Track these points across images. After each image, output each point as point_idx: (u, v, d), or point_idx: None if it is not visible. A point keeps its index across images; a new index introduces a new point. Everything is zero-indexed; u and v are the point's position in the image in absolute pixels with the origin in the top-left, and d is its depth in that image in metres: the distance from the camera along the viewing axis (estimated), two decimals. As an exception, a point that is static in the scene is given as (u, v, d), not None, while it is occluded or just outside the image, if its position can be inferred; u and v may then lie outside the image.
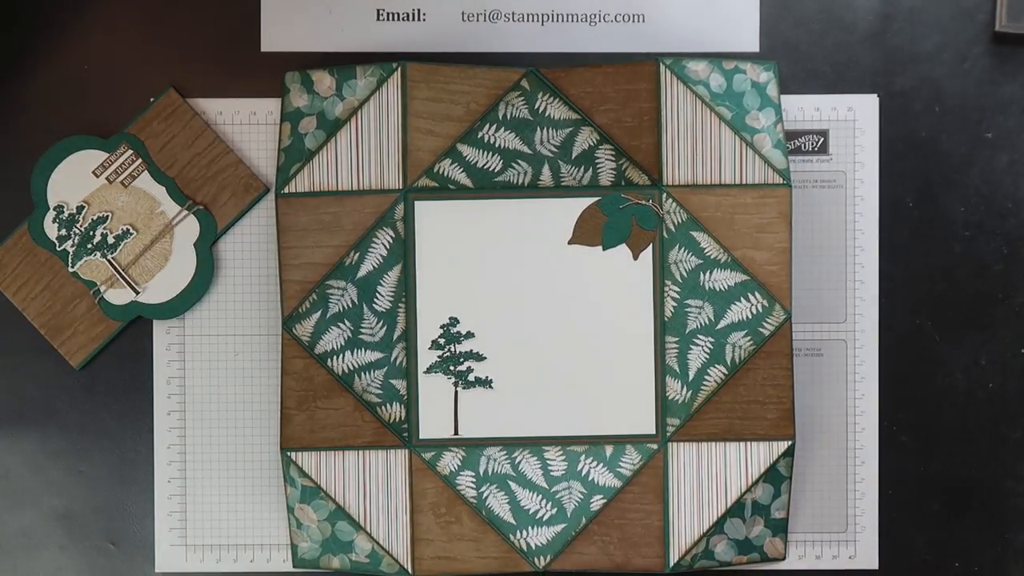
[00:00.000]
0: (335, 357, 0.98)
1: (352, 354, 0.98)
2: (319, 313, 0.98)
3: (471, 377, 0.99)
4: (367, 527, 0.98)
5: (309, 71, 0.98)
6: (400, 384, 0.99)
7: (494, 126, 0.98)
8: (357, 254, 0.98)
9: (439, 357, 0.99)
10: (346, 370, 0.98)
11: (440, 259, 0.99)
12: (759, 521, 0.98)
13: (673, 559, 0.97)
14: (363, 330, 0.99)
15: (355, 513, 0.98)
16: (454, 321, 0.99)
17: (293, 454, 0.98)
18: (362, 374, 0.98)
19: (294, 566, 0.99)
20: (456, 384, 0.99)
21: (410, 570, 0.97)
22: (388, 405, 0.98)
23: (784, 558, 0.99)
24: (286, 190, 0.98)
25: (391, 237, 0.99)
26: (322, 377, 0.98)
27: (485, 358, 0.99)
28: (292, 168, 0.98)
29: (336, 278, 0.98)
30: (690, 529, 0.98)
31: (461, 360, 0.99)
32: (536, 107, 0.98)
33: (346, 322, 0.98)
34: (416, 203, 0.98)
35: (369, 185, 0.98)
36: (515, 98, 0.98)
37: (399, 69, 0.97)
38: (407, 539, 0.98)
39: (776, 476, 0.98)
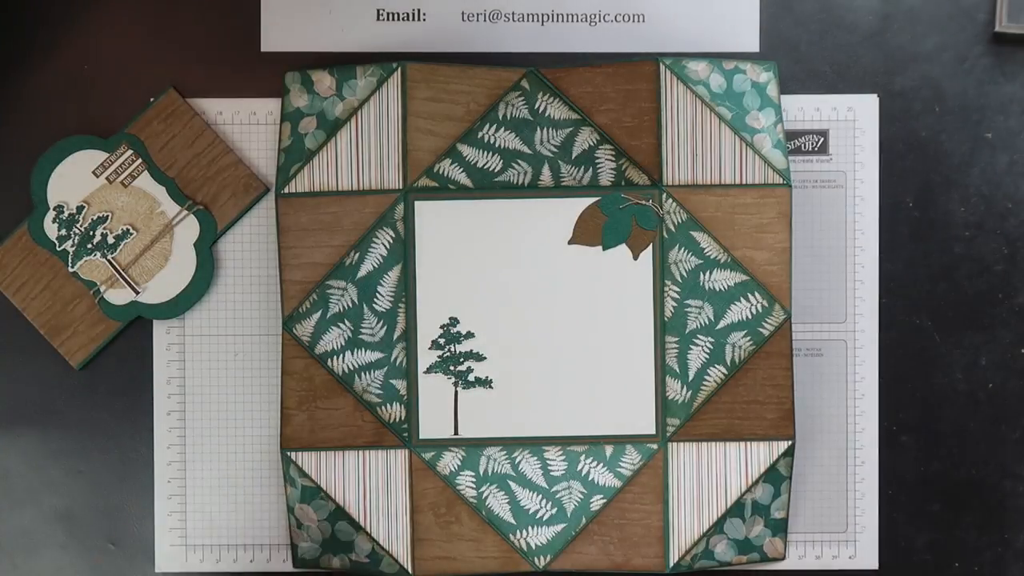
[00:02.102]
0: (335, 357, 0.98)
1: (352, 354, 0.98)
2: (319, 313, 0.98)
3: (471, 377, 0.99)
4: (367, 527, 0.98)
5: (309, 71, 0.98)
6: (400, 384, 0.99)
7: (494, 126, 0.98)
8: (357, 254, 0.98)
9: (439, 357, 0.99)
10: (346, 370, 0.98)
11: (440, 259, 0.99)
12: (759, 521, 0.98)
13: (673, 559, 0.97)
14: (363, 330, 0.98)
15: (355, 513, 0.98)
16: (454, 321, 0.99)
17: (293, 454, 0.98)
18: (362, 374, 0.98)
19: (294, 566, 0.99)
20: (456, 384, 0.99)
21: (410, 570, 0.97)
22: (388, 405, 0.98)
23: (784, 558, 0.99)
24: (286, 190, 0.98)
25: (391, 237, 0.98)
26: (322, 377, 0.98)
27: (485, 358, 0.99)
28: (292, 168, 0.98)
29: (336, 278, 0.98)
30: (690, 529, 0.97)
31: (461, 360, 0.99)
32: (536, 107, 0.98)
33: (346, 322, 0.98)
34: (416, 203, 0.98)
35: (369, 185, 0.98)
36: (515, 98, 0.98)
37: (399, 69, 0.97)
38: (407, 539, 0.98)
39: (776, 476, 0.98)
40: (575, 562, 0.98)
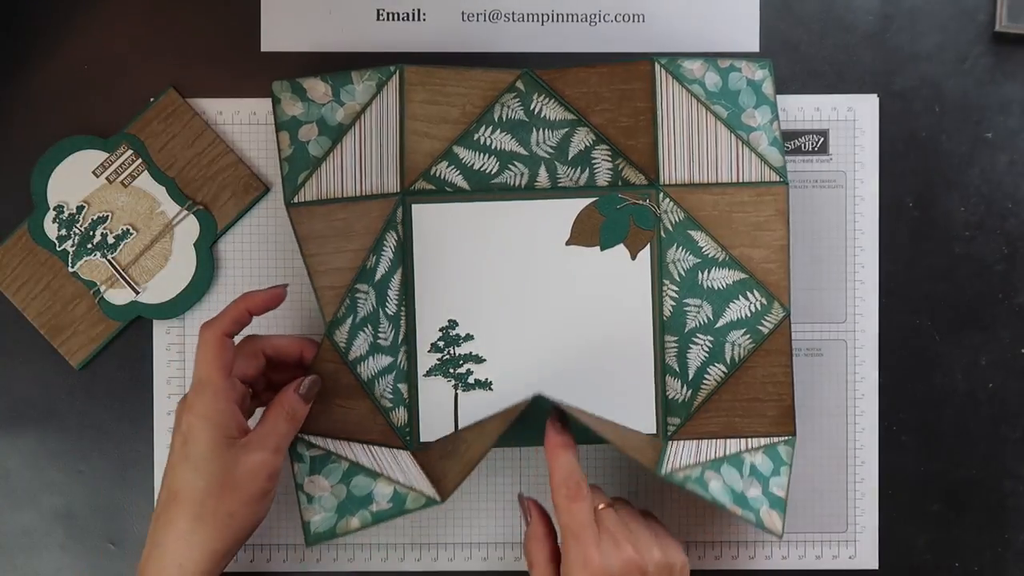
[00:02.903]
0: (363, 363, 0.97)
1: (373, 359, 0.97)
2: (351, 319, 0.96)
3: (471, 379, 0.99)
4: (384, 473, 0.95)
5: (299, 79, 0.97)
6: (403, 388, 0.98)
7: (490, 128, 0.98)
8: (374, 257, 0.97)
9: (439, 360, 0.99)
10: (370, 375, 0.97)
11: (438, 262, 0.99)
12: (756, 485, 0.95)
13: (665, 470, 0.92)
14: (380, 334, 0.98)
15: (369, 465, 0.95)
16: (453, 324, 0.99)
17: (300, 434, 0.95)
18: (380, 380, 0.97)
19: (307, 544, 0.94)
20: (456, 387, 0.99)
21: (437, 497, 0.92)
22: (396, 410, 0.98)
23: (781, 536, 0.95)
24: (296, 199, 0.96)
25: (395, 240, 0.98)
26: (347, 381, 0.96)
27: (484, 360, 0.99)
28: (300, 176, 0.96)
29: (361, 281, 0.97)
30: (686, 459, 0.94)
31: (460, 362, 0.99)
32: (532, 108, 0.98)
33: (368, 327, 0.97)
34: (413, 206, 0.98)
35: (371, 190, 0.98)
36: (510, 100, 0.98)
37: (397, 72, 0.97)
38: (423, 477, 0.95)
39: (775, 454, 0.96)
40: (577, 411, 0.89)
